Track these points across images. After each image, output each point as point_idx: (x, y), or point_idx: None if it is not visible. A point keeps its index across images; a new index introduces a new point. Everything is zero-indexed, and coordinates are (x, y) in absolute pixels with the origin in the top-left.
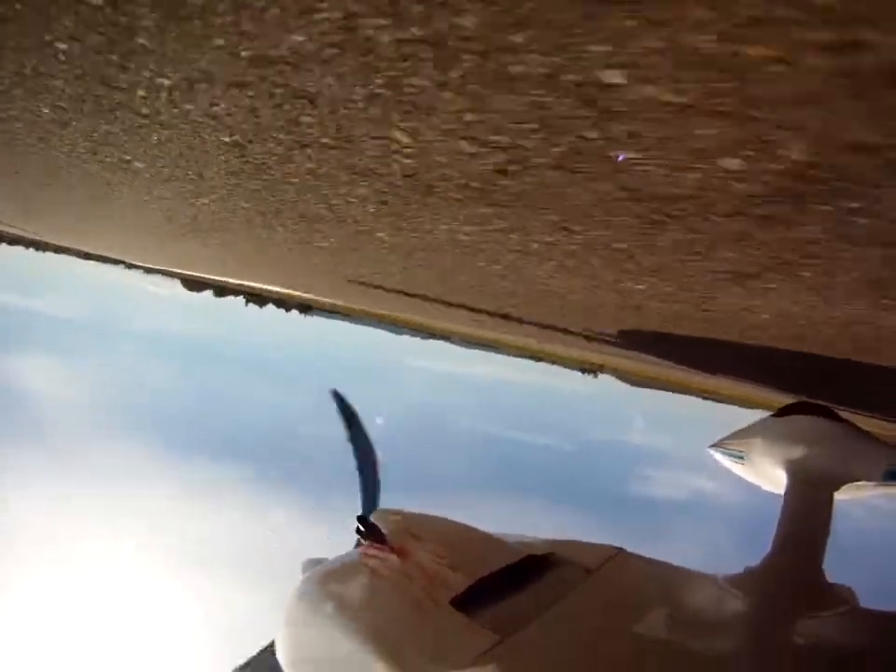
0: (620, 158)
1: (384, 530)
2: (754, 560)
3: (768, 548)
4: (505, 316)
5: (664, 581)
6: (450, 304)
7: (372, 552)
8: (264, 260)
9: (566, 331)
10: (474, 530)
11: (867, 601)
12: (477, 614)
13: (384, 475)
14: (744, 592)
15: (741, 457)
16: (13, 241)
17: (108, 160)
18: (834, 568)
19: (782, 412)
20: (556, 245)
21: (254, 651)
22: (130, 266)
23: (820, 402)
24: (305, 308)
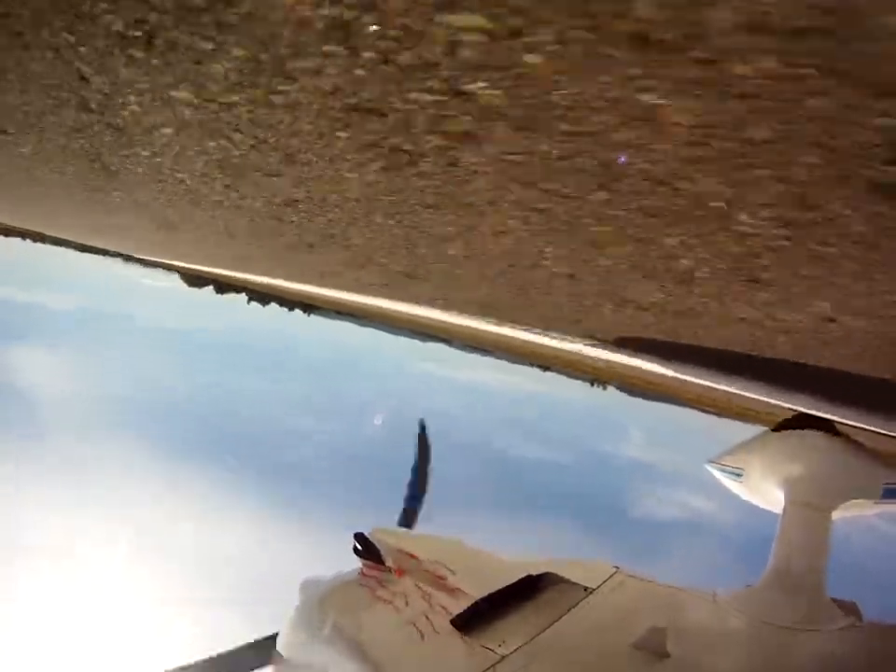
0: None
1: (381, 549)
2: (753, 578)
3: (766, 567)
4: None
5: (662, 600)
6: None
7: (370, 572)
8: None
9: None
10: (472, 550)
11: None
12: (476, 634)
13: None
14: (744, 609)
15: (739, 475)
16: (8, 232)
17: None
18: (838, 586)
19: (781, 426)
20: None
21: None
22: (128, 259)
23: (820, 416)
24: (308, 307)
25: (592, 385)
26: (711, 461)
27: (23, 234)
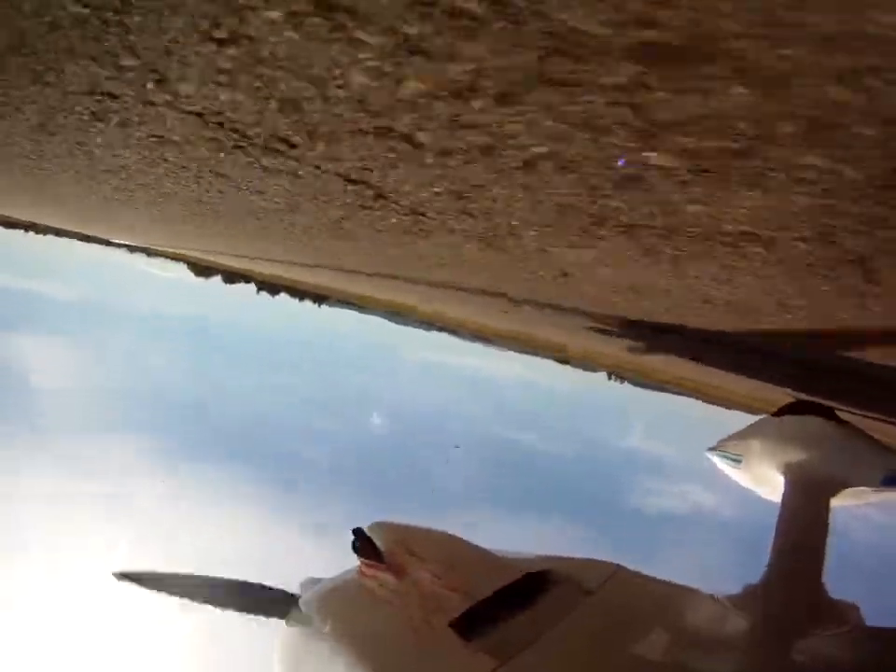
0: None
1: (380, 546)
2: (753, 576)
3: (767, 561)
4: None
5: (663, 600)
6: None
7: (370, 571)
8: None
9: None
10: (471, 546)
11: (873, 619)
12: (475, 638)
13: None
14: (745, 610)
15: (739, 461)
16: (10, 224)
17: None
18: (837, 586)
19: (781, 411)
20: None
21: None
22: (133, 249)
23: (820, 401)
24: (319, 298)
25: (609, 377)
26: (711, 448)
27: (26, 226)
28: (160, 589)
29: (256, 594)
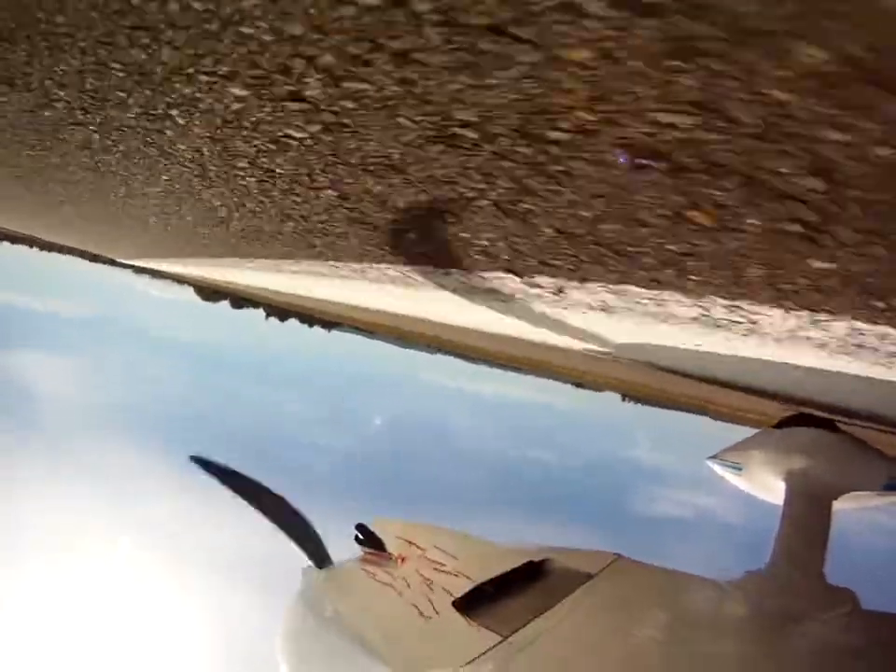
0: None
1: (383, 538)
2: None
3: (769, 556)
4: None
5: (663, 585)
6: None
7: (372, 559)
8: None
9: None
10: (473, 538)
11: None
12: (477, 616)
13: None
14: (744, 594)
15: (739, 469)
16: (16, 239)
17: None
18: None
19: (782, 423)
20: None
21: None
22: (139, 270)
23: (820, 414)
24: (328, 324)
25: (623, 399)
26: (712, 457)
27: (31, 242)
28: (225, 483)
29: (305, 526)
